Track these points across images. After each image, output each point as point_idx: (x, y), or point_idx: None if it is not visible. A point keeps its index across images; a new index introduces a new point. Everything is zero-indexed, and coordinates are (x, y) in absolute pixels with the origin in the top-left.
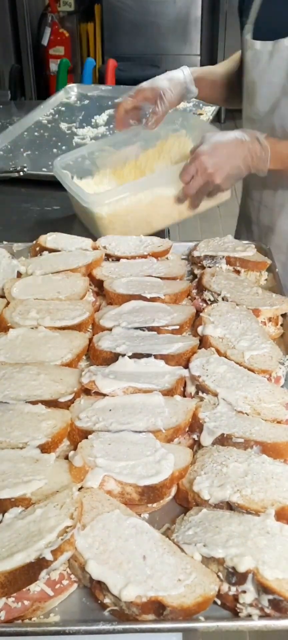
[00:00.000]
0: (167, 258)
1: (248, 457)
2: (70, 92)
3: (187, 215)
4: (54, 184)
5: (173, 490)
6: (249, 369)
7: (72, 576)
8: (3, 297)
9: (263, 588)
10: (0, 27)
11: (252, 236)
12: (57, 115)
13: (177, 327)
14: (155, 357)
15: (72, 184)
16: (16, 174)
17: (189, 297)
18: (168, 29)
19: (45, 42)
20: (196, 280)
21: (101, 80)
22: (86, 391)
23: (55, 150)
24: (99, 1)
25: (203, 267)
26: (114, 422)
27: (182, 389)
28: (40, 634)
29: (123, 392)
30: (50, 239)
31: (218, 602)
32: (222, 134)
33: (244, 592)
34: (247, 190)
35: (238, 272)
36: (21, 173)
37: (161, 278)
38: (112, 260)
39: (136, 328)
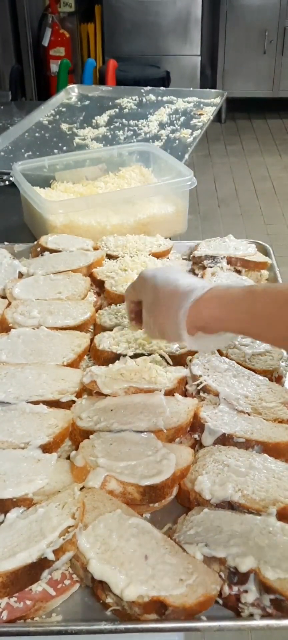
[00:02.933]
0: (168, 258)
1: (250, 456)
2: (71, 93)
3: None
4: None
5: (175, 490)
6: (250, 369)
7: (74, 576)
8: (4, 297)
9: (265, 588)
10: (1, 27)
11: None
12: (57, 116)
13: None
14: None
15: (28, 189)
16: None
17: None
18: (168, 29)
19: (45, 42)
20: None
21: (102, 80)
22: (88, 391)
23: (56, 151)
24: (99, 1)
25: (204, 267)
26: (116, 422)
27: (183, 388)
28: (42, 634)
29: (124, 392)
30: (51, 239)
31: (220, 601)
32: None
33: (246, 591)
34: None
35: (239, 271)
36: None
37: None
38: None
39: None
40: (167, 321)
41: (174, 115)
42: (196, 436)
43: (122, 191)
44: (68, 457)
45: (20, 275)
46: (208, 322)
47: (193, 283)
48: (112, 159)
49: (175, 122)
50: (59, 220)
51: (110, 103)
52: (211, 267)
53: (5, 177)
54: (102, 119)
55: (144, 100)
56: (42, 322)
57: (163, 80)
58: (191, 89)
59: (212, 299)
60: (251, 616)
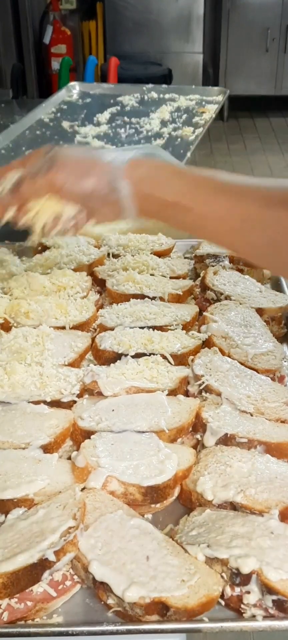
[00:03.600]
0: (170, 257)
1: (252, 457)
2: (72, 91)
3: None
4: None
5: (177, 491)
6: (252, 369)
7: (75, 577)
8: (5, 294)
9: (267, 589)
10: (2, 25)
11: None
12: (59, 114)
13: (180, 326)
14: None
15: None
16: None
17: (192, 296)
18: (170, 26)
19: (47, 40)
20: (199, 279)
21: (103, 78)
22: (89, 391)
23: None
24: None
25: (206, 266)
26: (117, 422)
27: (185, 388)
28: (43, 635)
29: (126, 392)
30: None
31: (222, 603)
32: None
33: (248, 592)
34: None
35: (241, 270)
36: None
37: (164, 277)
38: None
39: (139, 327)
40: (94, 170)
41: (176, 113)
42: (198, 436)
43: None
44: (69, 458)
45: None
46: (143, 178)
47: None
48: None
49: (177, 120)
50: None
51: (112, 101)
52: (213, 265)
53: None
54: (104, 116)
55: (146, 98)
56: (43, 321)
57: (165, 78)
58: (193, 86)
59: (147, 160)
60: (253, 617)
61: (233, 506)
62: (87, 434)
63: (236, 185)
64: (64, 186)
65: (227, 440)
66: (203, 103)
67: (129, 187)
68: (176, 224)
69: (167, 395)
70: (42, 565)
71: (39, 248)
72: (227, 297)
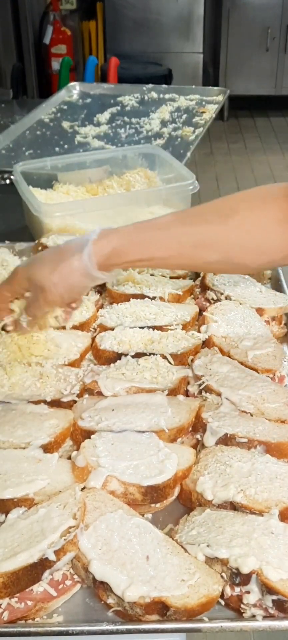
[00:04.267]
0: None
1: (252, 457)
2: (73, 91)
3: None
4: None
5: (177, 491)
6: (253, 369)
7: (75, 576)
8: None
9: (267, 588)
10: (2, 25)
11: None
12: (59, 114)
13: (180, 326)
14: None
15: (26, 191)
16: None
17: (192, 296)
18: (170, 26)
19: (47, 40)
20: (199, 279)
21: (103, 78)
22: (89, 391)
23: (57, 149)
24: None
25: None
26: (117, 421)
27: (185, 388)
28: (44, 635)
29: (126, 392)
30: (51, 238)
31: (222, 602)
32: None
33: (248, 592)
34: None
35: None
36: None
37: (164, 277)
38: None
39: (139, 327)
40: (70, 273)
41: (176, 113)
42: (198, 436)
43: (121, 195)
44: (69, 457)
45: None
46: (110, 257)
47: (78, 238)
48: (116, 161)
49: (177, 120)
50: (56, 223)
51: (112, 101)
52: None
53: (6, 175)
54: (104, 116)
55: (146, 98)
56: None
57: (166, 78)
58: (193, 86)
59: (109, 234)
60: (253, 617)
61: (233, 506)
62: (87, 434)
63: (171, 221)
64: (63, 300)
65: (226, 440)
66: (204, 103)
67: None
68: (146, 267)
69: (167, 395)
70: (42, 564)
71: (39, 249)
72: (227, 297)
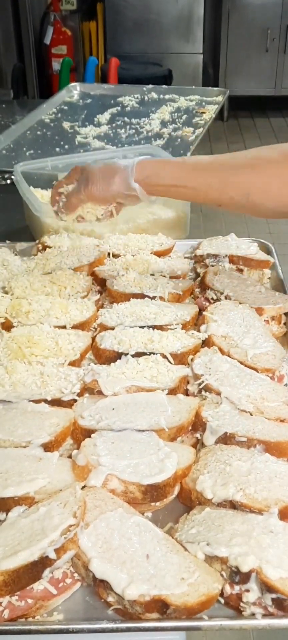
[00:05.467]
0: (169, 257)
1: (252, 456)
2: (73, 91)
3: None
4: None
5: (177, 489)
6: (252, 368)
7: (76, 575)
8: (6, 293)
9: (266, 587)
10: (3, 26)
11: None
12: (59, 114)
13: (180, 325)
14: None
15: (26, 191)
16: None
17: (192, 295)
18: (171, 27)
19: (47, 41)
20: (199, 278)
21: (104, 79)
22: (89, 390)
23: (57, 149)
24: (101, 0)
25: (206, 266)
26: (117, 420)
27: (185, 387)
28: (44, 633)
29: (126, 391)
30: (52, 238)
31: (222, 601)
32: None
33: (248, 591)
34: None
35: (241, 270)
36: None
37: (164, 276)
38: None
39: (139, 327)
40: (113, 175)
41: (176, 114)
42: (198, 435)
43: None
44: (69, 456)
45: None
46: (150, 176)
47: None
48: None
49: (177, 120)
50: (55, 223)
51: (112, 101)
52: (213, 265)
53: (6, 175)
54: (104, 117)
55: (146, 98)
56: (44, 320)
57: (166, 79)
58: (193, 87)
59: (152, 161)
60: (253, 615)
61: (233, 505)
62: (88, 433)
63: (211, 162)
64: (99, 195)
65: (226, 439)
66: (203, 103)
67: (139, 184)
68: (177, 197)
69: (167, 394)
70: (43, 563)
71: (40, 248)
72: (227, 297)
